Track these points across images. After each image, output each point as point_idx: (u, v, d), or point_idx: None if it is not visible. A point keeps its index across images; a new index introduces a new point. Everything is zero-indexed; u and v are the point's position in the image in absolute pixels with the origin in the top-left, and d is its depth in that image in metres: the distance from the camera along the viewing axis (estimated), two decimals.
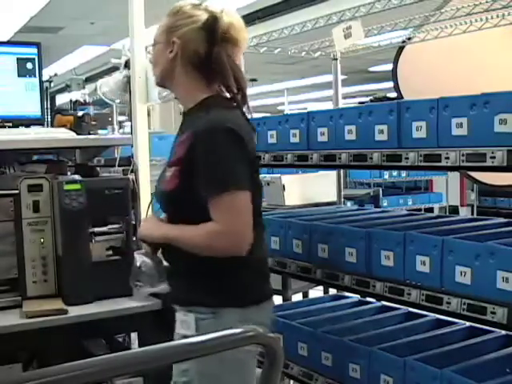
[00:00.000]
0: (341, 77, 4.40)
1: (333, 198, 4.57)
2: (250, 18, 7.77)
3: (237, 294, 2.29)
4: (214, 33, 2.28)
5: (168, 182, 2.29)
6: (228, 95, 2.35)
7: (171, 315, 2.40)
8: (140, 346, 3.04)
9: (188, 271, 2.33)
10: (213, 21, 2.29)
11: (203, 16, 2.30)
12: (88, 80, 11.15)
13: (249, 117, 2.43)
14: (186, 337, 1.86)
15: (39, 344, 2.77)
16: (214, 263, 2.23)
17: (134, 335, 3.36)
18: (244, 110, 2.36)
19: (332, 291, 4.17)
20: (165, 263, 2.46)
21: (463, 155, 2.20)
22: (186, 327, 2.28)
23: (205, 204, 2.19)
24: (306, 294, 5.41)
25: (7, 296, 2.89)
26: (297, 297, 4.95)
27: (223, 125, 2.21)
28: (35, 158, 3.66)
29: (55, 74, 6.49)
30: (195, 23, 2.30)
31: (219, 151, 2.19)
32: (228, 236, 2.18)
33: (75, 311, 2.80)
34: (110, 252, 2.99)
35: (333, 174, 4.56)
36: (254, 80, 14.08)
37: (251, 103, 2.47)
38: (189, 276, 2.33)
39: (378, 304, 3.36)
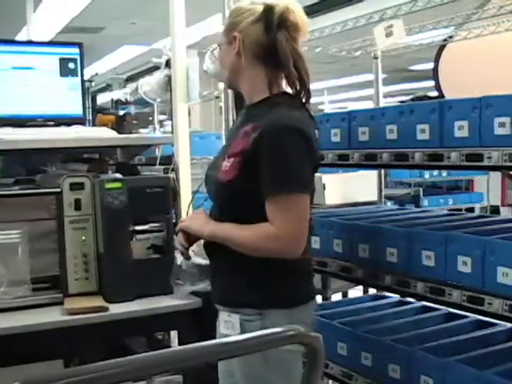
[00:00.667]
0: (381, 76, 4.38)
1: (373, 197, 4.54)
2: None
3: (284, 294, 2.25)
4: (270, 20, 2.23)
5: (226, 172, 2.22)
6: (292, 92, 2.28)
7: (212, 314, 2.40)
8: (180, 344, 3.05)
9: (234, 271, 2.29)
10: (268, 9, 2.25)
11: (260, 8, 2.27)
12: (129, 79, 11.23)
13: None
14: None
15: (80, 341, 2.79)
16: (262, 263, 2.19)
17: (173, 333, 3.37)
18: (308, 107, 2.31)
19: (371, 291, 4.15)
20: (206, 262, 2.44)
21: (505, 155, 2.17)
22: (231, 328, 2.24)
23: (261, 202, 2.15)
24: (345, 294, 5.38)
25: (49, 293, 2.92)
26: (336, 296, 4.93)
27: (292, 124, 2.16)
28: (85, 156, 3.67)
29: (96, 74, 6.54)
30: (253, 15, 2.27)
31: (286, 150, 2.13)
32: (283, 240, 2.13)
33: (116, 309, 2.81)
34: (151, 250, 3.01)
35: (373, 173, 4.53)
36: None
37: None
38: (234, 276, 2.29)
39: (419, 304, 3.34)
